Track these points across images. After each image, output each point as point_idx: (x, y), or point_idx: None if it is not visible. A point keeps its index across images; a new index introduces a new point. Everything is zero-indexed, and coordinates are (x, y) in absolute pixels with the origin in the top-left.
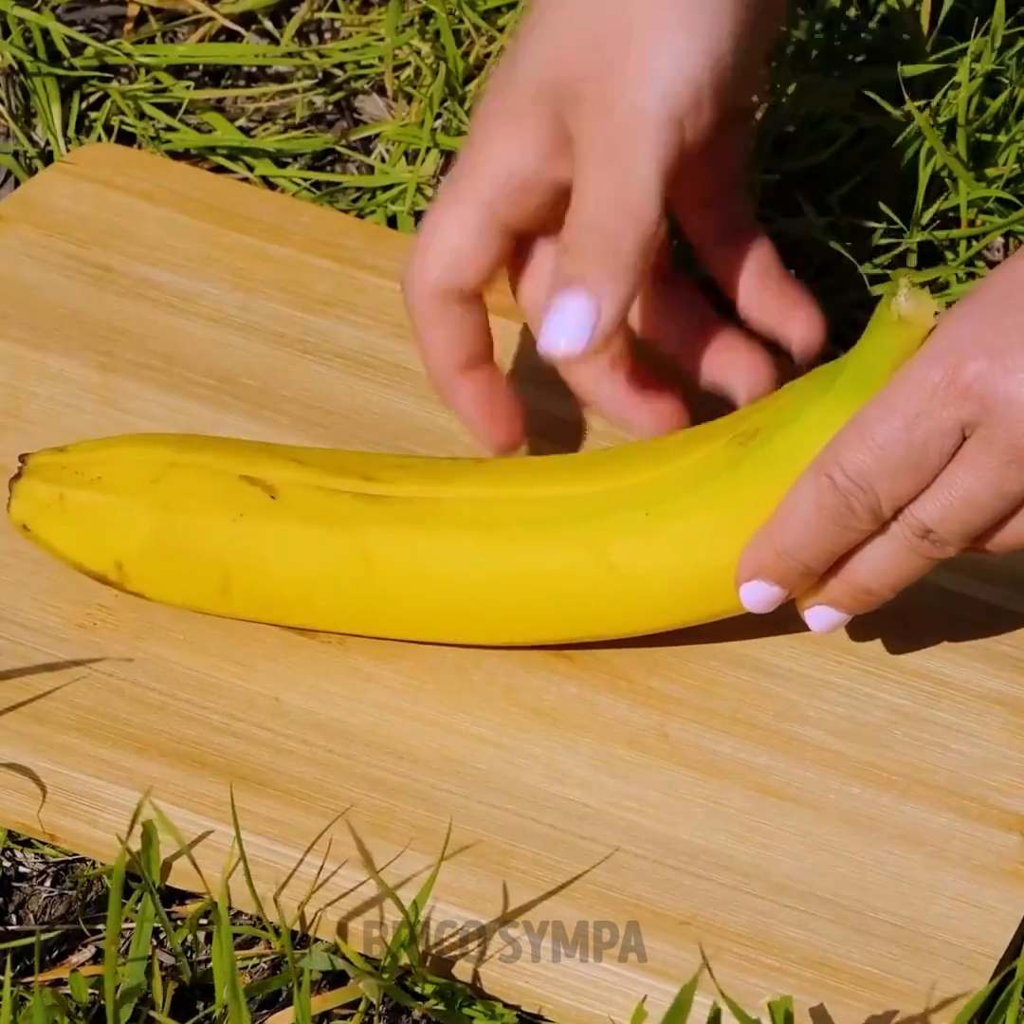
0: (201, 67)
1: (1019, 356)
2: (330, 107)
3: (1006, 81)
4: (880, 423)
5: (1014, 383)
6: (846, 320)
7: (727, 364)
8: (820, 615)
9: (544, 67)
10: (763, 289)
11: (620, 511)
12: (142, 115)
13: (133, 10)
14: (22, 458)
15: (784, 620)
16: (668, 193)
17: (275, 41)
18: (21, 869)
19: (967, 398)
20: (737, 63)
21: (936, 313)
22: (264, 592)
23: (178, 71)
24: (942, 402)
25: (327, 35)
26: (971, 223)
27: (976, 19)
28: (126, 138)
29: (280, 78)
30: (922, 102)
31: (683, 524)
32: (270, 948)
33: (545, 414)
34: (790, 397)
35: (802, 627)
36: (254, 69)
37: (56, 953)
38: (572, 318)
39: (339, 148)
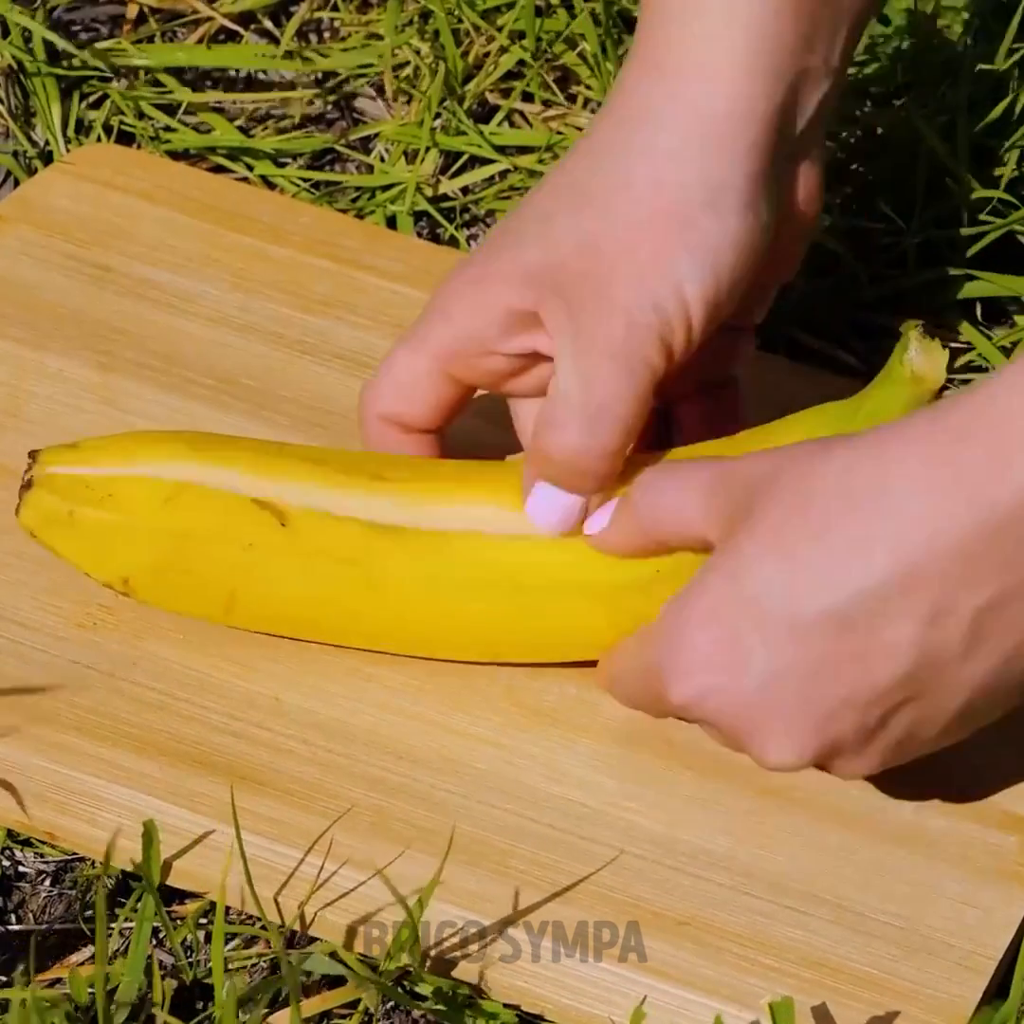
0: (201, 67)
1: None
2: (329, 107)
3: (1009, 83)
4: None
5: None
6: (846, 320)
7: None
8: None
9: (542, 257)
10: None
11: (631, 568)
12: (141, 115)
13: (133, 10)
14: (31, 455)
15: None
16: (650, 402)
17: (275, 41)
18: (21, 869)
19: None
20: (737, 286)
21: (947, 350)
22: (269, 613)
23: (177, 71)
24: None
25: (326, 35)
26: (972, 223)
27: (977, 20)
28: (126, 138)
29: (279, 78)
30: (922, 102)
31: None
32: (270, 948)
33: None
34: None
35: None
36: (253, 69)
37: (56, 953)
38: (554, 507)
39: (338, 148)
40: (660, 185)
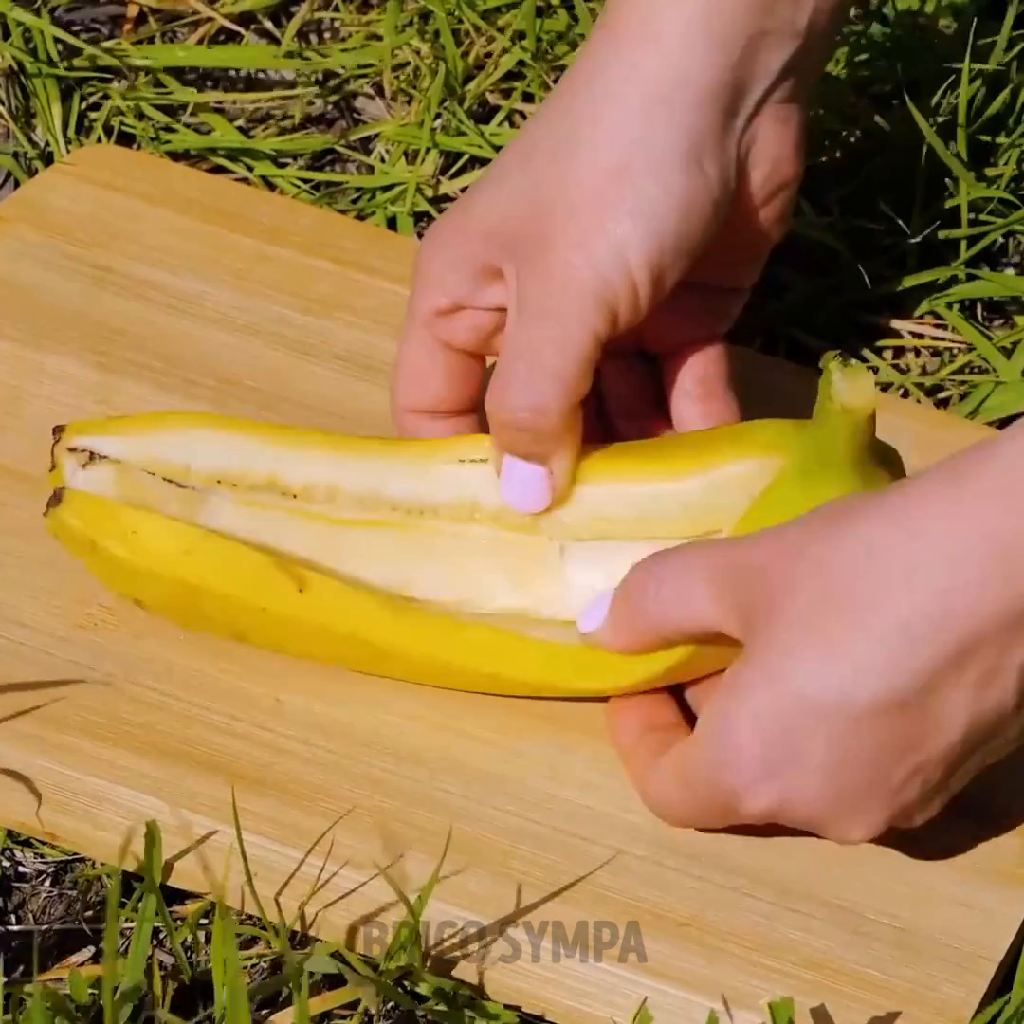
0: (201, 68)
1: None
2: (330, 107)
3: (1008, 80)
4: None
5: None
6: (846, 320)
7: None
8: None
9: (495, 216)
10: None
11: (639, 670)
12: (142, 116)
13: (133, 10)
14: (56, 430)
15: None
16: (598, 365)
17: (275, 41)
18: (21, 869)
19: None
20: (686, 249)
21: (877, 385)
22: (279, 654)
23: (178, 72)
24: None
25: (327, 35)
26: (972, 223)
27: (976, 19)
28: (126, 139)
29: (280, 79)
30: (922, 102)
31: (685, 671)
32: (270, 948)
33: None
34: (759, 508)
35: None
36: (254, 70)
37: (56, 953)
38: (525, 482)
39: (339, 148)
40: (605, 148)
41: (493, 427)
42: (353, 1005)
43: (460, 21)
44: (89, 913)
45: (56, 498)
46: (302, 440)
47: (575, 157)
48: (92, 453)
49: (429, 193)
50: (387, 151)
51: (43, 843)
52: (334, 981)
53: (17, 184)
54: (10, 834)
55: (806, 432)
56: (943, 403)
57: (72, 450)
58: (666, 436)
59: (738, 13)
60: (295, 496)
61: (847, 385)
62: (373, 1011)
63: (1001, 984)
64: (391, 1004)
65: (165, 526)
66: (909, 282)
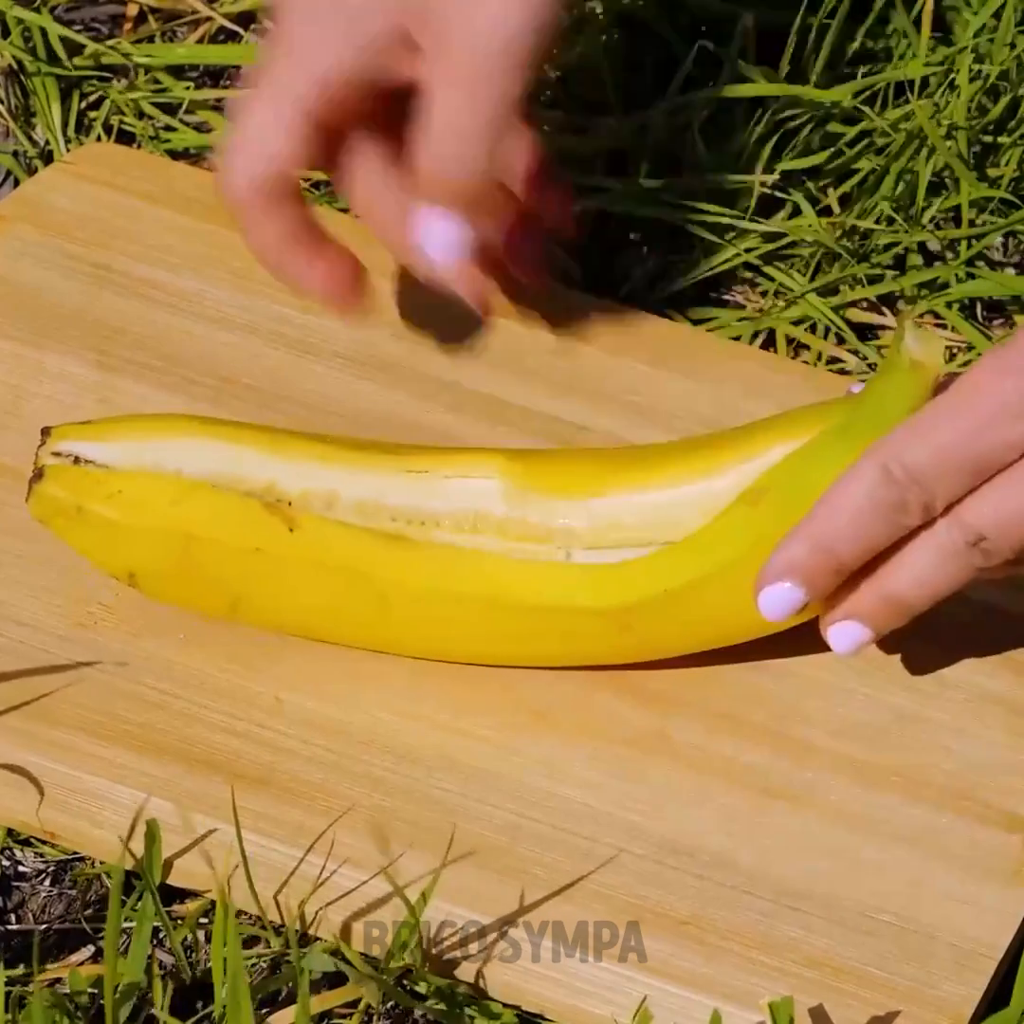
0: (201, 66)
1: None
2: None
3: (1007, 82)
4: (945, 425)
5: None
6: (846, 320)
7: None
8: (845, 632)
9: None
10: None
11: (639, 586)
12: (142, 115)
13: (132, 10)
14: (44, 432)
15: None
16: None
17: None
18: (21, 868)
19: None
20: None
21: (947, 349)
22: (274, 615)
23: (178, 70)
24: (1013, 416)
25: None
26: (972, 223)
27: (978, 19)
28: (126, 138)
29: None
30: (924, 102)
31: (698, 599)
32: (270, 948)
33: (542, 416)
34: (794, 458)
35: (803, 627)
36: (253, 68)
37: (56, 952)
38: (441, 238)
39: None
40: None
41: (421, 181)
42: (353, 1004)
43: None
44: (89, 912)
45: (37, 475)
46: (299, 446)
47: None
48: (77, 458)
49: None
50: None
51: (43, 842)
52: (334, 980)
53: (17, 183)
54: (10, 833)
55: (856, 397)
56: None
57: (56, 454)
58: (689, 439)
59: None
60: (290, 503)
61: (920, 343)
62: (374, 1009)
63: (1001, 982)
64: (391, 1003)
65: (150, 480)
66: (909, 282)
